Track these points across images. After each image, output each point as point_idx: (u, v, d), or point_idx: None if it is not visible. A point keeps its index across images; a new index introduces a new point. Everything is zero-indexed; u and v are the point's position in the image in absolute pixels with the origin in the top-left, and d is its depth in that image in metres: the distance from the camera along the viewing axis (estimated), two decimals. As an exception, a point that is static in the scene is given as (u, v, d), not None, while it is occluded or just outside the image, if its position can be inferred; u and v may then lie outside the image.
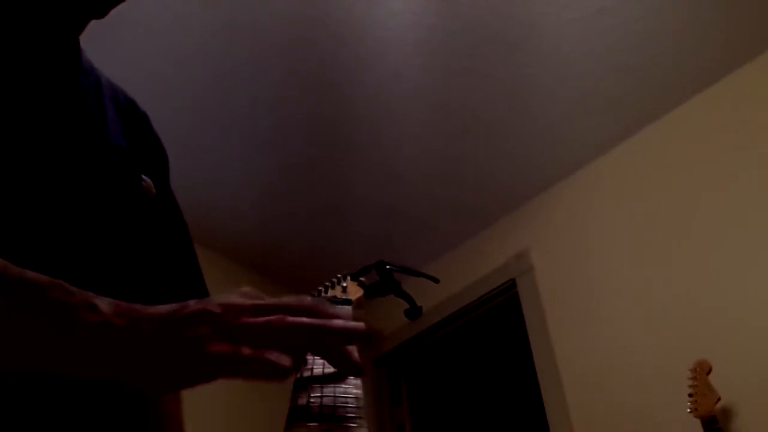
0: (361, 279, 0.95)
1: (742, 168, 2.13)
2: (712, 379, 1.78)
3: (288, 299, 0.49)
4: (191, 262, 0.82)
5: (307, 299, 0.49)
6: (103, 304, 0.45)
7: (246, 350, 0.43)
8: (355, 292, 0.90)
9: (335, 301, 0.80)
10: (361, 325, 0.49)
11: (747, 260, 2.01)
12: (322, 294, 0.86)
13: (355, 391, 0.51)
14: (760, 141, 2.12)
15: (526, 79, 2.23)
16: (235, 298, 0.47)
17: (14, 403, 0.50)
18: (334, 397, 0.50)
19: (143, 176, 0.71)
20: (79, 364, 0.43)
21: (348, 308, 0.76)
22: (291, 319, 0.46)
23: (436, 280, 1.15)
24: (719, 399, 1.75)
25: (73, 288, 0.46)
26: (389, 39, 2.08)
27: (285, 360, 0.44)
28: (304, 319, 0.47)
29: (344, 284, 0.91)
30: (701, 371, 1.81)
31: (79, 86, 0.70)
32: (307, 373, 0.50)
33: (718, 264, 2.07)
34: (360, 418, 0.47)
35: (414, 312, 1.06)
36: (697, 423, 1.75)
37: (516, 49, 2.12)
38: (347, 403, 0.49)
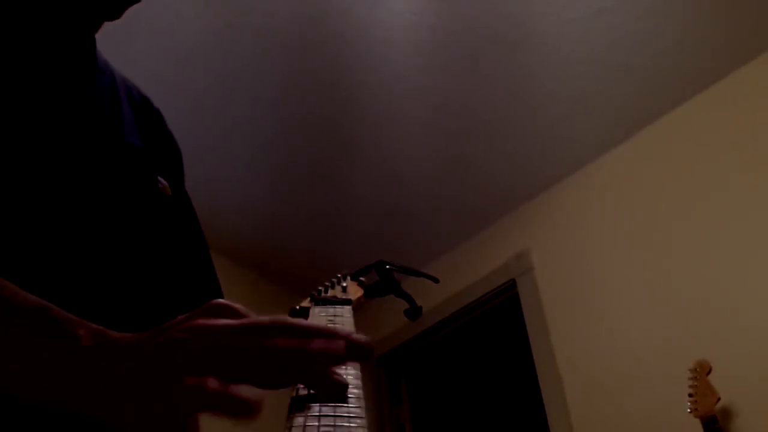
0: (361, 279, 0.96)
1: (742, 168, 2.13)
2: (712, 379, 1.78)
3: (265, 318, 0.45)
4: (205, 263, 0.82)
5: (285, 318, 0.46)
6: (87, 335, 0.44)
7: (212, 383, 0.41)
8: (355, 292, 0.90)
9: (335, 301, 0.80)
10: (344, 338, 0.45)
11: (747, 260, 2.01)
12: (322, 294, 0.86)
13: (355, 390, 0.52)
14: (760, 141, 2.12)
15: (526, 79, 2.23)
16: (206, 320, 0.45)
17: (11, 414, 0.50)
18: None
19: (159, 178, 0.71)
20: (57, 394, 0.42)
21: (348, 308, 0.76)
22: (265, 342, 0.43)
23: (436, 280, 1.14)
24: (719, 399, 1.75)
25: (61, 314, 0.45)
26: (390, 39, 2.08)
27: (249, 401, 0.41)
28: (280, 341, 0.44)
29: (344, 284, 0.91)
30: (701, 371, 1.81)
31: (95, 85, 0.70)
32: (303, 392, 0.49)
33: (718, 264, 2.07)
34: (360, 417, 0.48)
35: (414, 312, 1.06)
36: (697, 423, 1.75)
37: (516, 49, 2.13)
38: (347, 402, 0.49)
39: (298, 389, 0.50)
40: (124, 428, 0.42)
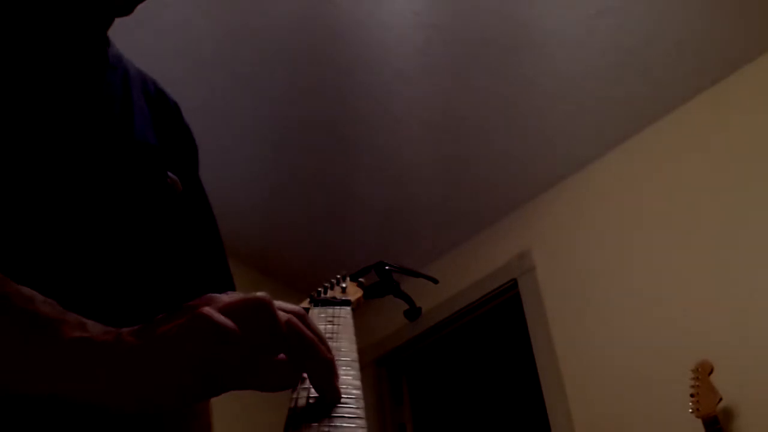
0: (361, 279, 0.95)
1: (742, 168, 2.13)
2: (714, 379, 1.78)
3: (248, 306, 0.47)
4: (218, 256, 0.81)
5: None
6: (92, 324, 0.45)
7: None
8: (354, 292, 0.90)
9: (335, 302, 0.80)
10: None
11: (749, 260, 2.01)
12: (322, 295, 0.86)
13: (355, 391, 0.51)
14: (760, 141, 2.11)
15: (527, 80, 2.23)
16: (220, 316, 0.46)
17: (21, 403, 0.50)
18: None
19: (169, 173, 0.71)
20: (67, 382, 0.42)
21: (347, 309, 0.76)
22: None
23: (435, 281, 1.14)
24: (721, 399, 1.75)
25: (64, 309, 0.46)
26: (391, 40, 2.08)
27: (223, 319, 0.43)
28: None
29: (344, 285, 0.91)
30: (703, 372, 1.81)
31: (105, 83, 0.69)
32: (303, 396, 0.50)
33: (720, 264, 2.07)
34: (360, 417, 0.47)
35: (413, 313, 1.06)
36: (699, 423, 1.75)
37: (516, 49, 2.12)
38: (347, 403, 0.49)
39: (298, 392, 0.50)
40: (134, 410, 0.43)
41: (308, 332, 0.48)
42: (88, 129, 0.64)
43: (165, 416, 0.62)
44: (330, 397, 0.49)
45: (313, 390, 0.50)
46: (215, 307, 0.45)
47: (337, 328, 0.66)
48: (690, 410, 1.77)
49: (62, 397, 0.42)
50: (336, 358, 0.55)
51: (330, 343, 0.60)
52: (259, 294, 0.47)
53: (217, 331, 0.43)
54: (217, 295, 0.48)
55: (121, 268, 0.61)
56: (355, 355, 0.58)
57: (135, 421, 0.54)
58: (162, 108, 0.77)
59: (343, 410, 0.48)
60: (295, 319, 0.47)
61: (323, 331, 0.65)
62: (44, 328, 0.43)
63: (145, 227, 0.65)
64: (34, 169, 0.57)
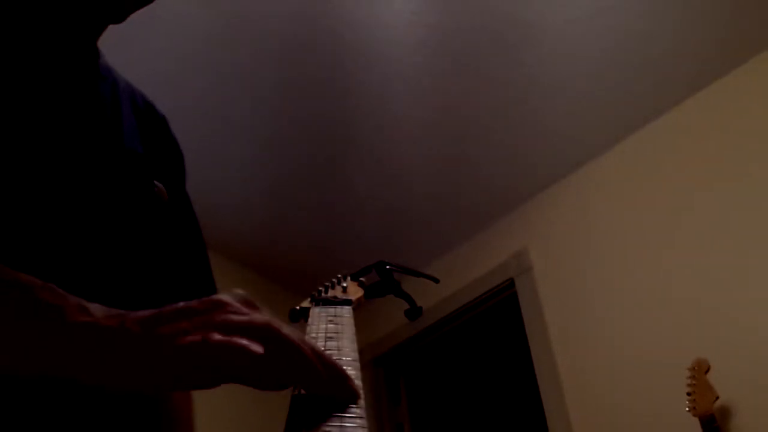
0: (361, 279, 0.96)
1: (741, 167, 2.13)
2: (711, 378, 1.79)
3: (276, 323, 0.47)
4: (202, 265, 0.82)
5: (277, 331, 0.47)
6: (94, 307, 0.45)
7: (216, 336, 0.43)
8: (355, 292, 0.90)
9: (335, 301, 0.80)
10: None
11: (745, 259, 2.01)
12: (322, 294, 0.86)
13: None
14: (759, 140, 2.12)
15: (526, 79, 2.23)
16: (226, 298, 0.47)
17: (18, 401, 0.50)
18: None
19: (156, 182, 0.71)
20: (69, 365, 0.43)
21: (348, 308, 0.76)
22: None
23: (436, 280, 1.15)
24: (718, 398, 1.75)
25: (65, 292, 0.46)
26: (390, 39, 2.08)
27: (256, 347, 0.43)
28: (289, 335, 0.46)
29: (344, 284, 0.91)
30: (700, 370, 1.81)
31: (95, 92, 0.70)
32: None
33: (717, 263, 2.07)
34: (360, 417, 0.48)
35: (414, 312, 1.07)
36: (696, 422, 1.75)
37: (516, 49, 2.13)
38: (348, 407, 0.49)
39: (299, 391, 0.50)
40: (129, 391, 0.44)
41: (309, 351, 0.48)
42: (78, 136, 0.64)
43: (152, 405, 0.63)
44: (347, 398, 0.49)
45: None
46: (223, 319, 0.45)
47: (338, 328, 0.66)
48: (687, 409, 1.78)
49: (62, 378, 0.43)
50: (337, 357, 0.55)
51: (331, 343, 0.60)
52: (267, 319, 0.47)
53: (234, 355, 0.43)
54: (223, 299, 0.48)
55: (105, 273, 0.62)
56: (355, 355, 0.58)
57: (128, 408, 0.54)
58: (150, 120, 0.78)
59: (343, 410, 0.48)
60: (298, 340, 0.47)
61: (324, 331, 0.65)
62: (46, 312, 0.44)
63: (129, 232, 0.66)
64: (26, 173, 0.58)
